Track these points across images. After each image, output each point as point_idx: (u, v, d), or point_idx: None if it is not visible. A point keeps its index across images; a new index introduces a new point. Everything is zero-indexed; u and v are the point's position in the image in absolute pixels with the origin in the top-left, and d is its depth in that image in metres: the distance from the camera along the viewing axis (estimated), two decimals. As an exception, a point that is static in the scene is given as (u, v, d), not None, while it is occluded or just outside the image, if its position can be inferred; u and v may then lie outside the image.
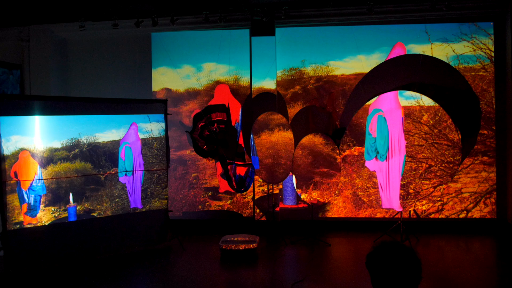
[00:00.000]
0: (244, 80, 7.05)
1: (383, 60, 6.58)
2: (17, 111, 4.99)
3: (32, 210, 5.13)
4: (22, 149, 5.06)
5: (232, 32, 7.05)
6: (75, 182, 5.51)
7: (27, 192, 5.11)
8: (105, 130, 5.74)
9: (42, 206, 5.21)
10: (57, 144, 5.38)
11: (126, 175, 5.87)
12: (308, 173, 6.59)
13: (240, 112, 6.88)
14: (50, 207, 5.32)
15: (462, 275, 4.86)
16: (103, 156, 5.71)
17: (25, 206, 5.08)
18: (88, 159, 5.60)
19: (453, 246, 6.01)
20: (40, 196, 5.21)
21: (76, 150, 5.52)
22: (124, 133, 5.86)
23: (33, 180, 5.16)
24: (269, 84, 6.88)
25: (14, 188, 4.98)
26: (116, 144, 5.81)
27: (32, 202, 5.14)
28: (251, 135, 6.46)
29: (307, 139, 6.44)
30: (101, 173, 5.69)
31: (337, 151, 6.44)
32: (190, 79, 7.15)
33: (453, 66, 6.37)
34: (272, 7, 6.64)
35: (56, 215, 5.35)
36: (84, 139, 5.57)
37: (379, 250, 1.83)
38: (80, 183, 5.56)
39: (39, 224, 5.15)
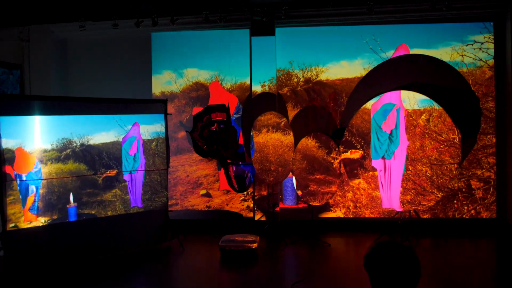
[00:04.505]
0: (227, 82, 7.01)
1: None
2: (17, 111, 4.99)
3: (33, 207, 5.12)
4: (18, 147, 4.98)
5: (232, 32, 7.05)
6: (69, 185, 5.36)
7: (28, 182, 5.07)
8: (103, 131, 5.64)
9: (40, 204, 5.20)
10: (50, 145, 5.24)
11: (130, 173, 5.85)
12: (303, 180, 6.49)
13: (235, 107, 6.90)
14: (40, 217, 5.11)
15: (462, 275, 4.86)
16: (105, 156, 5.64)
17: (31, 198, 5.06)
18: (82, 160, 5.46)
19: (453, 246, 6.01)
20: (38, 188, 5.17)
21: (68, 151, 5.34)
22: (125, 133, 5.84)
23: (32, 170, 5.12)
24: (256, 87, 6.91)
25: (15, 188, 4.98)
26: (112, 144, 5.71)
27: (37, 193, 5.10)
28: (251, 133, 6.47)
29: (300, 141, 6.34)
30: (98, 174, 5.62)
31: (333, 155, 6.40)
32: (171, 84, 7.14)
33: (452, 65, 6.37)
34: (272, 7, 6.64)
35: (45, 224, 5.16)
36: (78, 140, 5.43)
37: (376, 251, 1.83)
38: (75, 186, 5.40)
39: (39, 224, 5.15)
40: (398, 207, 6.14)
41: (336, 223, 6.84)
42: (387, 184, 6.22)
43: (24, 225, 5.02)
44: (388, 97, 6.35)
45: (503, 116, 6.60)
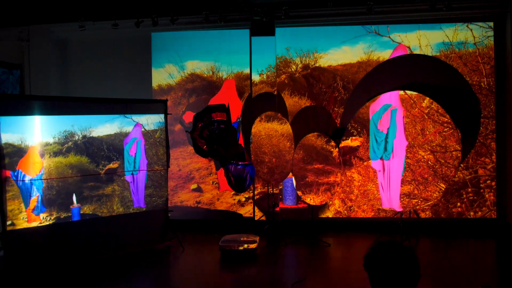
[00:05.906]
0: (222, 73, 6.97)
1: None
2: (16, 111, 4.98)
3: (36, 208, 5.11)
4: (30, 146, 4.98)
5: (232, 32, 7.06)
6: (70, 179, 5.28)
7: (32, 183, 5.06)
8: (106, 122, 5.56)
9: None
10: (52, 138, 5.18)
11: (132, 174, 5.84)
12: (300, 171, 6.30)
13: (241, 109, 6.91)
14: (43, 216, 5.06)
15: (462, 275, 4.86)
16: (104, 147, 5.55)
17: (34, 200, 5.05)
18: (84, 152, 5.37)
19: (453, 246, 6.01)
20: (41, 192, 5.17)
21: (70, 143, 5.26)
22: (129, 124, 5.83)
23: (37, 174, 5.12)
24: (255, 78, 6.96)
25: (17, 190, 4.97)
26: (114, 136, 5.66)
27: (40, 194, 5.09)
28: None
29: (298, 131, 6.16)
30: (100, 167, 5.55)
31: (332, 143, 6.23)
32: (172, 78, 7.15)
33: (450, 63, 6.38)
34: (272, 7, 6.64)
35: (45, 224, 5.11)
36: (80, 132, 5.33)
37: (376, 251, 1.83)
38: (76, 180, 5.33)
39: (41, 224, 5.15)
40: (398, 207, 6.14)
41: (336, 223, 6.84)
42: (387, 184, 6.22)
43: (23, 224, 5.02)
44: (388, 98, 6.36)
45: (504, 117, 6.60)
